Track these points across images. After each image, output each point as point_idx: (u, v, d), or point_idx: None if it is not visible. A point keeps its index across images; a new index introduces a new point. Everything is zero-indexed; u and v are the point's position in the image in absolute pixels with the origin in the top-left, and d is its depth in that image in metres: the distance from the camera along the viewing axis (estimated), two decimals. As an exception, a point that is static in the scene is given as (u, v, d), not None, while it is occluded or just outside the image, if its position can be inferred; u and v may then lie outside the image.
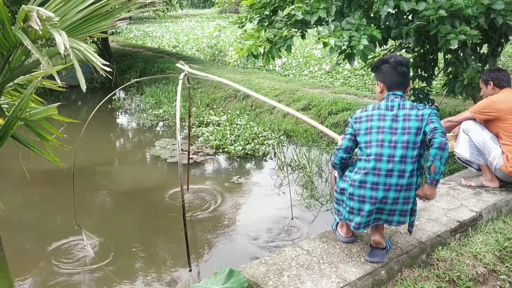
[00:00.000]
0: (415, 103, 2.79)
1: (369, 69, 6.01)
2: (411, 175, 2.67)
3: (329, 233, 3.23)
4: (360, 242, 3.10)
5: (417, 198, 2.80)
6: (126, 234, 4.97)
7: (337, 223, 3.17)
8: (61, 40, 1.12)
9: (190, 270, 3.58)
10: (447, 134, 4.26)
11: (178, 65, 5.11)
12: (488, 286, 3.00)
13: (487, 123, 3.85)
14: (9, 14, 1.31)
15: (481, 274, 3.02)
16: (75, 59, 1.31)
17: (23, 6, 1.29)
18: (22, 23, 1.24)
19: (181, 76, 4.44)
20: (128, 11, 1.60)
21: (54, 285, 3.94)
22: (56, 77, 1.21)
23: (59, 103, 2.40)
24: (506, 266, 3.15)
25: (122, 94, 13.07)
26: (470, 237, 3.34)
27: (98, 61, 1.24)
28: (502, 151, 3.73)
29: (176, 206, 5.50)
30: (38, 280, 4.02)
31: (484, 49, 5.73)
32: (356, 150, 2.89)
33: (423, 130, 2.67)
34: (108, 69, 1.29)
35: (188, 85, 4.81)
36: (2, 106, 1.95)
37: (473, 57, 5.32)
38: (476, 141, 3.79)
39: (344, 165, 2.93)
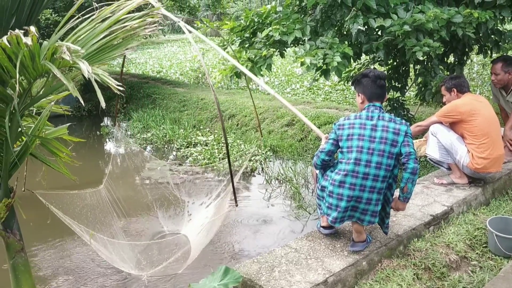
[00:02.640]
0: (393, 117, 3.14)
1: (349, 84, 6.38)
2: (383, 180, 3.02)
3: (315, 233, 3.52)
4: (343, 238, 3.40)
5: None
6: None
7: (320, 220, 3.48)
8: (84, 67, 1.42)
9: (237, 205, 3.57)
10: (420, 139, 4.63)
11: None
12: (461, 271, 3.31)
13: (452, 125, 4.21)
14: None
15: (453, 261, 3.33)
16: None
17: (46, 43, 1.59)
18: (51, 55, 1.53)
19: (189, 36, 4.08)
20: (134, 42, 1.90)
21: None
22: (81, 100, 1.49)
23: (69, 124, 2.70)
24: (477, 253, 3.47)
25: (109, 121, 13.30)
26: (443, 229, 3.66)
27: (113, 83, 1.53)
28: (468, 150, 4.08)
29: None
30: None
31: (452, 58, 6.16)
32: (337, 153, 3.22)
33: (399, 150, 3.04)
34: (121, 88, 1.58)
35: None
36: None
37: (441, 67, 5.73)
38: (444, 142, 4.14)
39: (325, 166, 3.25)
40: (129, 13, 1.87)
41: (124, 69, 19.57)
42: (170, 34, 36.18)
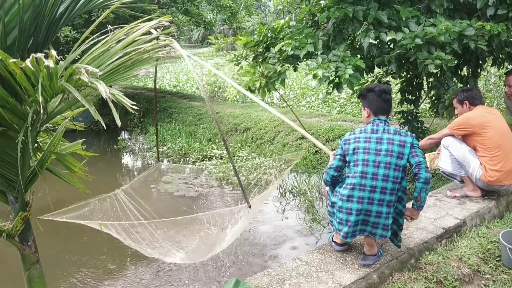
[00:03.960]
0: (398, 129, 3.17)
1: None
2: (391, 192, 3.03)
3: (326, 246, 3.54)
4: (354, 251, 3.41)
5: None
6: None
7: (333, 235, 3.50)
8: (102, 88, 1.49)
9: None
10: (433, 152, 4.62)
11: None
12: (473, 285, 3.29)
13: (464, 138, 4.20)
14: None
15: (466, 274, 3.31)
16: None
17: (64, 63, 1.68)
18: (68, 76, 1.61)
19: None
20: (148, 64, 1.99)
21: None
22: (100, 120, 1.56)
23: (84, 139, 2.79)
24: (490, 267, 3.44)
25: (126, 135, 13.51)
26: (456, 242, 3.65)
27: (128, 102, 1.60)
28: (480, 163, 4.07)
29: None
30: None
31: (465, 71, 6.15)
32: (344, 168, 3.25)
33: (408, 161, 3.06)
34: (136, 107, 1.65)
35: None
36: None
37: (454, 79, 5.73)
38: (456, 155, 4.14)
39: (334, 182, 3.28)
40: (143, 35, 1.95)
41: (142, 83, 19.89)
42: (186, 48, 36.65)
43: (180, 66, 24.38)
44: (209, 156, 9.64)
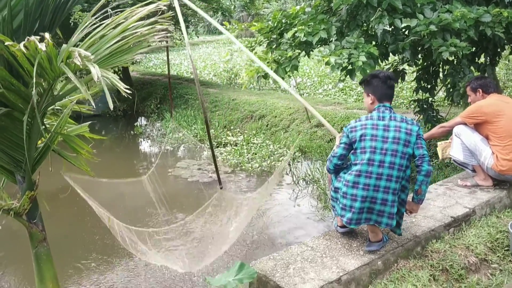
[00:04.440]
0: (404, 117, 3.14)
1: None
2: (396, 180, 3.02)
3: (332, 232, 3.55)
4: (360, 238, 3.41)
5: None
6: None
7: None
8: (95, 71, 1.52)
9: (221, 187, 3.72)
10: (445, 141, 4.57)
11: None
12: (480, 274, 3.27)
13: (477, 127, 4.14)
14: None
15: (473, 263, 3.29)
16: (104, 85, 1.71)
17: (66, 46, 1.71)
18: (66, 59, 1.65)
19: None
20: (144, 48, 2.01)
21: None
22: (91, 100, 1.60)
23: (90, 122, 2.84)
24: (498, 256, 3.41)
25: (143, 121, 13.65)
26: (464, 231, 3.62)
27: (121, 85, 1.63)
28: (492, 152, 4.01)
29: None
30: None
31: (483, 59, 6.03)
32: (349, 156, 3.24)
33: (412, 152, 3.06)
34: (129, 91, 1.67)
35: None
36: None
37: (471, 67, 5.63)
38: (467, 144, 4.09)
39: (337, 170, 3.28)
40: (141, 19, 1.98)
41: (159, 70, 20.01)
42: (205, 35, 36.65)
43: (198, 52, 24.40)
44: (223, 143, 9.69)
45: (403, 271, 3.13)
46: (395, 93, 11.46)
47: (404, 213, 3.22)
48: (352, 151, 3.17)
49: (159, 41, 2.04)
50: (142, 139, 11.87)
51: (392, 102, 10.17)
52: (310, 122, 9.05)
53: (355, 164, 3.12)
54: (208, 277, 3.09)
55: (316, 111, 3.91)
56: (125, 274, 4.77)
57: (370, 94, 3.24)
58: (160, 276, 4.64)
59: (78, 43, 1.92)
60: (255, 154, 8.61)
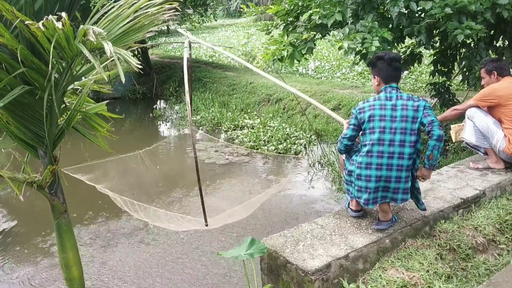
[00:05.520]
0: (411, 95, 3.19)
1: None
2: (409, 157, 3.08)
3: (342, 211, 3.63)
4: (369, 217, 3.49)
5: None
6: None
7: (349, 202, 3.58)
8: (108, 47, 1.62)
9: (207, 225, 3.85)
10: (459, 124, 4.59)
11: (180, 30, 5.10)
12: (487, 254, 3.33)
13: (490, 110, 4.15)
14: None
15: (480, 243, 3.35)
16: (118, 63, 1.81)
17: (82, 26, 1.81)
18: (82, 38, 1.75)
19: (186, 43, 4.48)
20: (154, 26, 2.11)
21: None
22: (105, 77, 1.71)
23: (108, 100, 2.97)
24: (506, 237, 3.46)
25: (162, 104, 13.82)
26: (473, 213, 3.66)
27: (134, 62, 1.72)
28: (505, 135, 4.02)
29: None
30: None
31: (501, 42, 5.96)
32: (359, 136, 3.30)
33: (421, 121, 3.10)
34: (140, 66, 1.78)
35: (189, 51, 4.67)
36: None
37: (489, 51, 5.58)
38: (480, 126, 4.10)
39: (348, 150, 3.35)
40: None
41: (178, 53, 20.11)
42: (225, 18, 36.59)
43: (217, 36, 24.42)
44: (240, 126, 9.79)
45: (411, 250, 3.20)
46: (414, 77, 11.31)
47: (419, 186, 3.28)
48: (362, 132, 3.23)
49: (169, 20, 2.13)
50: (161, 122, 12.05)
51: (411, 86, 10.11)
52: (304, 114, 9.12)
53: (365, 145, 3.18)
54: (221, 251, 3.20)
55: (316, 102, 4.02)
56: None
57: (376, 76, 3.29)
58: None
59: (96, 22, 2.03)
60: (272, 137, 8.70)
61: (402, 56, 6.44)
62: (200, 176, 3.12)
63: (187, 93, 3.20)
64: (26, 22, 1.68)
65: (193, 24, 16.76)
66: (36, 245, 5.25)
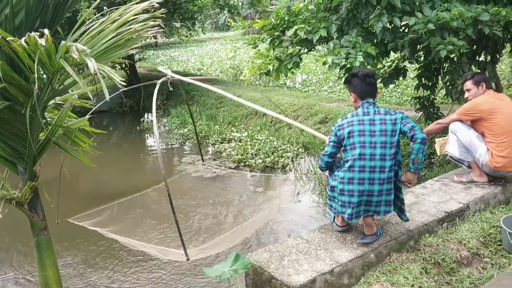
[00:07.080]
0: (388, 109, 3.24)
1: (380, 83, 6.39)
2: (390, 170, 3.11)
3: (328, 225, 3.63)
4: (354, 231, 3.49)
5: (402, 184, 3.31)
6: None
7: (334, 216, 3.58)
8: (91, 64, 1.62)
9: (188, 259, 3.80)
10: (443, 138, 4.63)
11: (160, 68, 5.22)
12: (471, 268, 3.34)
13: (473, 124, 4.19)
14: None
15: (465, 257, 3.35)
16: (101, 78, 1.80)
17: (64, 42, 1.81)
18: (65, 54, 1.74)
19: (159, 81, 4.60)
20: (139, 42, 2.11)
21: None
22: (89, 94, 1.70)
23: (90, 115, 2.95)
24: (490, 250, 3.47)
25: (150, 117, 13.76)
26: (457, 226, 3.68)
27: (117, 78, 1.72)
28: (487, 148, 4.06)
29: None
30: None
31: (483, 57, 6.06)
32: (341, 153, 3.32)
33: (401, 131, 3.15)
34: (124, 83, 1.77)
35: (170, 88, 4.98)
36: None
37: (472, 65, 5.67)
38: (463, 140, 4.14)
39: (329, 167, 3.37)
40: (135, 15, 2.07)
41: (166, 66, 20.09)
42: (213, 32, 36.73)
43: (205, 49, 24.50)
44: (228, 139, 9.78)
45: (395, 264, 3.20)
46: (400, 90, 11.39)
47: (403, 198, 3.33)
48: (343, 149, 3.25)
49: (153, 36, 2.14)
50: (148, 135, 12.00)
51: (397, 99, 10.17)
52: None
53: (347, 161, 3.20)
54: (204, 268, 3.17)
55: (299, 124, 4.09)
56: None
57: (352, 93, 3.35)
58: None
59: (77, 38, 2.03)
60: (259, 150, 8.70)
61: (387, 70, 6.52)
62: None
63: (155, 125, 3.22)
64: (8, 39, 1.67)
65: (181, 37, 16.79)
66: (14, 261, 5.17)
